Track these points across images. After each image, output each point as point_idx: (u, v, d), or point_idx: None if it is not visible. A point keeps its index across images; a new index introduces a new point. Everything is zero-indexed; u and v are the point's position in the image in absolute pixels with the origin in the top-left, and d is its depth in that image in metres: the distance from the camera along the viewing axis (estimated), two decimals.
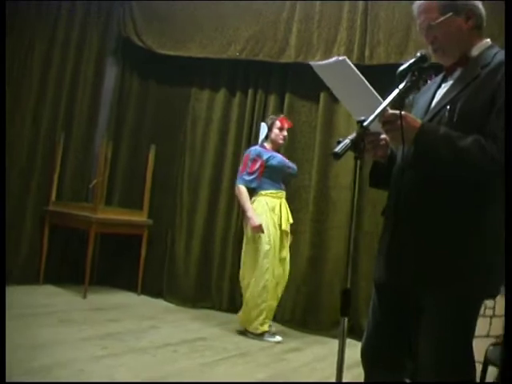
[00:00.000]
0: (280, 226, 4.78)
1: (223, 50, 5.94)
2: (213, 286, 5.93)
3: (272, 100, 5.89)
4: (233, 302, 5.73)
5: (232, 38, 5.89)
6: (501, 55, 1.97)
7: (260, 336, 4.74)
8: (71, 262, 6.20)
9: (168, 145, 6.38)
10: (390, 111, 1.86)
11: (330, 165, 5.47)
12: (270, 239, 4.71)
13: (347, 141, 1.71)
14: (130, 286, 6.15)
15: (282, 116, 5.07)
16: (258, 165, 4.81)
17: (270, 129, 4.97)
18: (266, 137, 4.99)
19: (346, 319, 1.73)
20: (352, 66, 1.92)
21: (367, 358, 2.16)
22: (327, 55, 5.26)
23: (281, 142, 4.97)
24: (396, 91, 1.89)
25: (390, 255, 2.05)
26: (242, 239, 5.00)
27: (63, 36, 6.17)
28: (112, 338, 4.30)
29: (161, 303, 5.92)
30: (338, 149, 1.69)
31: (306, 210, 5.53)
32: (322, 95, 5.54)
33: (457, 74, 2.07)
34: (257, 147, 4.98)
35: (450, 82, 2.08)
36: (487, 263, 1.92)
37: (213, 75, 6.19)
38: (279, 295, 4.86)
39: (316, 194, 5.48)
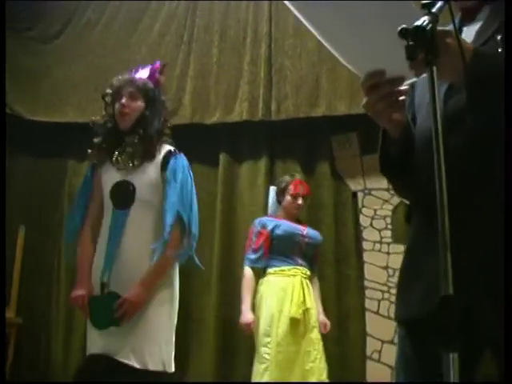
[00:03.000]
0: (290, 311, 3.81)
1: None
2: None
3: None
4: None
5: None
6: None
7: None
8: None
9: (40, 226, 5.47)
10: (439, 28, 1.16)
11: (236, 237, 4.86)
12: (270, 329, 3.78)
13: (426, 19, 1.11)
14: None
15: (296, 178, 4.22)
16: (263, 239, 3.98)
17: (282, 194, 4.15)
18: (279, 202, 4.18)
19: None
20: None
21: None
22: (228, 113, 4.86)
23: (295, 211, 4.13)
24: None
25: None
26: None
27: None
28: None
29: None
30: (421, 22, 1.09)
31: (208, 291, 4.84)
32: (222, 157, 5.02)
33: (484, 12, 1.46)
34: (263, 218, 4.18)
35: (476, 23, 1.46)
36: None
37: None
38: None
39: (220, 272, 4.82)
